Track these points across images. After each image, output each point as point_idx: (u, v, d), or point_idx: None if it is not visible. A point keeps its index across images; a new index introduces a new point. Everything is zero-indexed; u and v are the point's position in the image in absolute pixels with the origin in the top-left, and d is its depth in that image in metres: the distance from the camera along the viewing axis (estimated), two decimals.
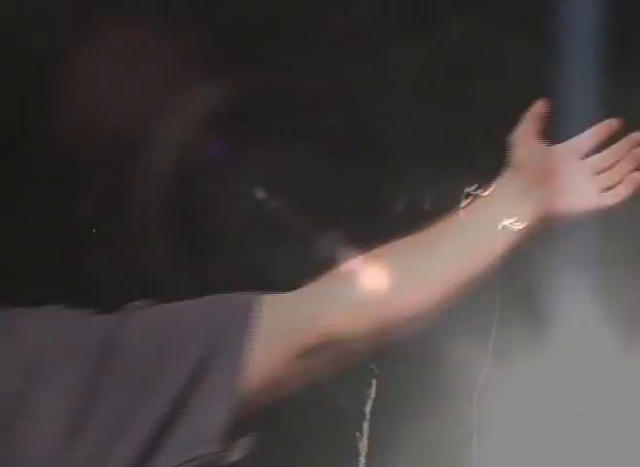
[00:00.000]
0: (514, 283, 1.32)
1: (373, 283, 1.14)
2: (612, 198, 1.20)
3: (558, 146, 1.21)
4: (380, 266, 1.15)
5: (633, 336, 1.70)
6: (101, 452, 1.08)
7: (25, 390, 1.09)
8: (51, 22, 1.55)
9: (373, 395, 1.68)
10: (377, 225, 1.79)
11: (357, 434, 1.71)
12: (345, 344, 1.13)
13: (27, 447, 1.07)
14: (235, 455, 1.11)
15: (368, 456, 1.59)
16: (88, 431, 1.08)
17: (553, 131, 1.20)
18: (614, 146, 1.21)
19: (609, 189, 1.20)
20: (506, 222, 1.17)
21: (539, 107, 1.21)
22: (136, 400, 1.10)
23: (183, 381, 1.10)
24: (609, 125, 1.22)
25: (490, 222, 1.17)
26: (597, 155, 1.21)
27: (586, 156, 1.21)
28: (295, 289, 1.16)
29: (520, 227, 1.17)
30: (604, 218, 1.26)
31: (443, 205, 1.67)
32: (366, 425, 1.61)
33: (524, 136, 1.20)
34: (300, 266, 1.49)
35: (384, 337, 1.15)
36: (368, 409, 1.62)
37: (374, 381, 1.47)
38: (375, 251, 1.17)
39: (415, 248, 1.17)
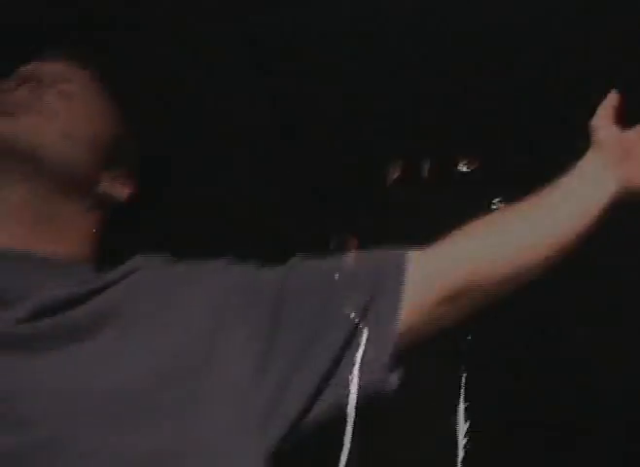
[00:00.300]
0: None
1: (499, 239, 1.34)
2: None
3: (632, 130, 1.39)
4: (498, 226, 1.36)
5: None
6: (283, 386, 1.22)
7: (218, 333, 1.21)
8: None
9: None
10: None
11: None
12: (478, 294, 1.32)
13: (221, 384, 1.19)
14: (392, 386, 1.27)
15: None
16: (271, 368, 1.22)
17: None
18: None
19: None
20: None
21: (613, 96, 1.41)
22: (310, 337, 1.24)
23: (349, 321, 1.26)
24: None
25: (579, 195, 1.35)
26: None
27: None
28: None
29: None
30: None
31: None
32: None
33: (602, 121, 1.38)
34: None
35: (511, 287, 1.34)
36: None
37: None
38: (495, 213, 1.38)
39: (521, 214, 1.37)
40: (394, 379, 1.27)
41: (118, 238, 1.34)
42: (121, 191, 1.33)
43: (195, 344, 1.20)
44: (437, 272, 1.31)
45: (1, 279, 1.18)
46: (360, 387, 1.25)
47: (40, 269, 1.21)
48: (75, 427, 1.10)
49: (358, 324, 1.26)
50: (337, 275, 1.29)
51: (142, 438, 1.12)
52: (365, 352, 1.26)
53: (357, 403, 1.26)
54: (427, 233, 1.34)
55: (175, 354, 1.18)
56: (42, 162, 1.24)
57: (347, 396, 1.25)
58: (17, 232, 1.23)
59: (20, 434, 1.08)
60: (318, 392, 1.23)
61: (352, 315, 1.26)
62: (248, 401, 1.20)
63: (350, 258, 1.32)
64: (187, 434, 1.14)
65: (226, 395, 1.19)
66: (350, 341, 1.25)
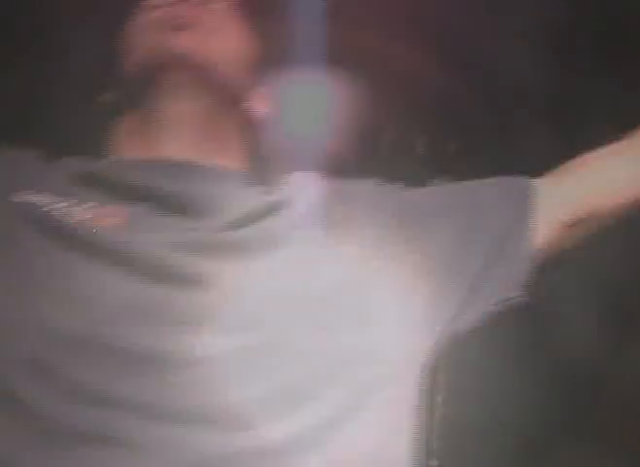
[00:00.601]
0: None
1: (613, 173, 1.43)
2: None
3: None
4: (610, 160, 1.44)
5: None
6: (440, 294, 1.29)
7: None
8: None
9: None
10: None
11: None
12: (595, 223, 1.40)
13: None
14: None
15: None
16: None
17: None
18: None
19: None
20: None
21: None
22: (459, 253, 1.31)
23: (491, 241, 1.33)
24: None
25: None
26: None
27: None
28: None
29: None
30: None
31: None
32: None
33: None
34: None
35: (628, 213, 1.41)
36: None
37: None
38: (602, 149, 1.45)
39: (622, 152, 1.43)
40: (525, 297, 1.34)
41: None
42: (261, 109, 1.37)
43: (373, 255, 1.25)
44: (560, 200, 1.38)
45: (190, 189, 1.23)
46: (497, 303, 1.33)
47: (223, 180, 1.26)
48: (289, 328, 1.14)
49: (500, 243, 1.34)
50: (472, 200, 1.37)
51: (341, 339, 1.17)
52: (502, 272, 1.33)
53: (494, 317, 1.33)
54: None
55: (360, 261, 1.23)
56: (212, 78, 1.28)
57: (488, 307, 1.33)
58: (191, 143, 1.27)
59: (247, 334, 1.12)
60: (466, 302, 1.30)
61: (495, 234, 1.34)
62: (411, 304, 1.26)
63: (485, 182, 1.40)
64: (373, 336, 1.20)
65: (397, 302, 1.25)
66: (493, 258, 1.33)
